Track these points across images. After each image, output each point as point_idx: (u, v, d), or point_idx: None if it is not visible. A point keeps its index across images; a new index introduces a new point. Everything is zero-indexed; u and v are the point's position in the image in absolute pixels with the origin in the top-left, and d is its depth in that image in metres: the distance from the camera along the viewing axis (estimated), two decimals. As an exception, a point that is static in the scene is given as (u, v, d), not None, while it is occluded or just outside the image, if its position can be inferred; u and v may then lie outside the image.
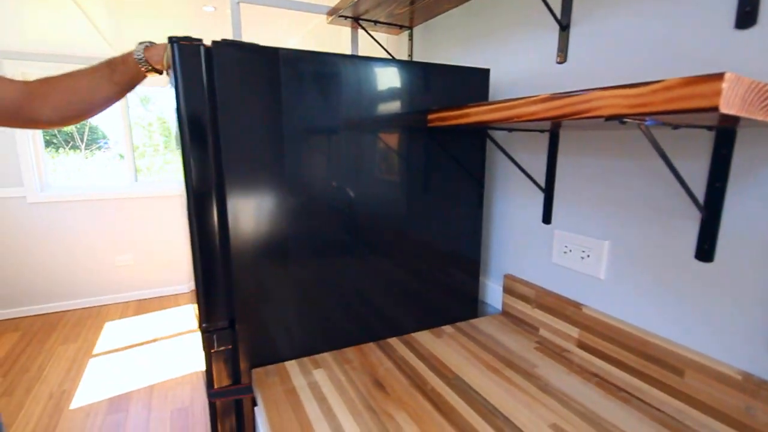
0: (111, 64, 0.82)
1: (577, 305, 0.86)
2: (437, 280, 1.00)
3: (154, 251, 3.46)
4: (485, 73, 0.94)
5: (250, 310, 0.80)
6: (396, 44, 1.47)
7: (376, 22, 1.36)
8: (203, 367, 0.86)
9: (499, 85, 1.02)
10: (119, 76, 0.82)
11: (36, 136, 3.08)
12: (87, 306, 3.39)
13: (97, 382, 2.41)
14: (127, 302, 3.50)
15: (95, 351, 2.79)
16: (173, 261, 3.53)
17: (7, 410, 2.22)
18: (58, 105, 0.79)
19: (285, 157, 0.77)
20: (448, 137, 0.93)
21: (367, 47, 1.51)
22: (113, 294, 3.42)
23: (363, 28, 1.38)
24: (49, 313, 3.28)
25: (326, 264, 0.86)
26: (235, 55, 0.71)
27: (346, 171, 0.84)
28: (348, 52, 1.56)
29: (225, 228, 0.75)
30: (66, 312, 3.32)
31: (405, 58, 1.43)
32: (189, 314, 3.24)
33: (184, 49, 0.67)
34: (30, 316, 3.35)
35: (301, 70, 0.77)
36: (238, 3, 1.29)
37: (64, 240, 3.17)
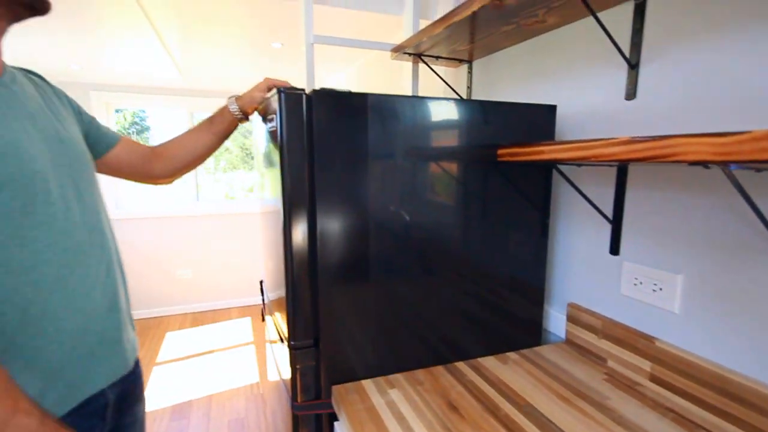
0: (210, 119, 0.96)
1: (650, 338, 0.86)
2: (501, 307, 1.03)
3: (211, 266, 3.67)
4: (552, 109, 0.99)
5: (332, 329, 0.87)
6: (454, 76, 1.54)
7: (437, 57, 1.44)
8: (276, 379, 0.93)
9: (564, 121, 1.06)
10: (217, 127, 0.96)
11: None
12: (150, 316, 3.63)
13: (161, 389, 2.57)
14: (185, 314, 3.72)
15: (158, 359, 2.97)
16: (228, 276, 3.73)
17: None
18: (170, 162, 0.93)
19: (368, 185, 0.85)
20: (515, 169, 0.98)
21: (426, 79, 1.59)
22: (173, 306, 3.65)
23: (425, 63, 1.46)
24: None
25: (400, 288, 0.91)
26: (331, 101, 0.80)
27: (420, 200, 0.91)
28: (403, 83, 1.65)
29: (314, 252, 0.83)
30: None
31: (463, 90, 1.49)
32: (242, 327, 3.39)
33: (290, 96, 0.76)
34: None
35: (383, 110, 0.84)
36: (312, 44, 1.41)
37: (132, 255, 3.44)
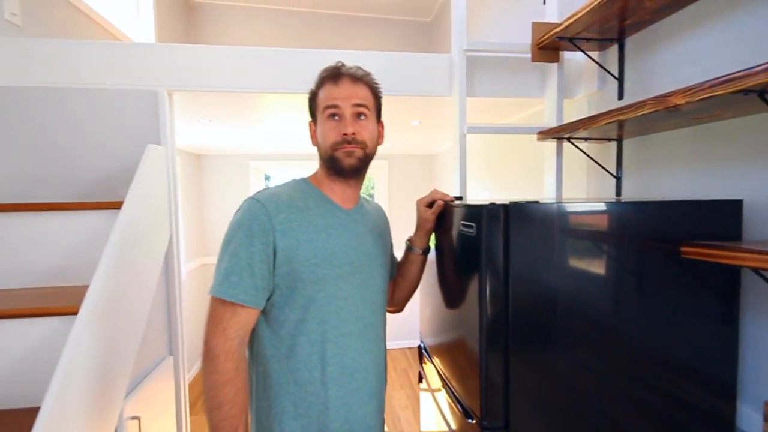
0: (404, 261, 1.17)
1: None
2: (687, 401, 1.01)
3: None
4: (737, 205, 0.99)
5: (522, 416, 0.95)
6: (602, 153, 1.59)
7: (585, 139, 1.52)
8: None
9: (757, 215, 1.03)
10: (413, 262, 1.16)
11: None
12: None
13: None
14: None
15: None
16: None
17: None
18: (399, 295, 1.17)
19: (555, 274, 0.94)
20: (699, 263, 0.99)
21: (568, 156, 1.66)
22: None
23: (572, 143, 1.54)
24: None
25: (583, 379, 0.97)
26: (524, 210, 0.93)
27: (600, 288, 0.97)
28: (546, 161, 1.74)
29: (506, 336, 0.94)
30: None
31: (611, 167, 1.52)
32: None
33: (491, 209, 0.91)
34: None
35: (565, 216, 0.95)
36: (465, 134, 1.59)
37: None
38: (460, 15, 1.58)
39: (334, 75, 0.92)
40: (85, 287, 1.26)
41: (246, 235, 0.82)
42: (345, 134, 0.89)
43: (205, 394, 0.80)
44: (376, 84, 0.99)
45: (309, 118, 0.98)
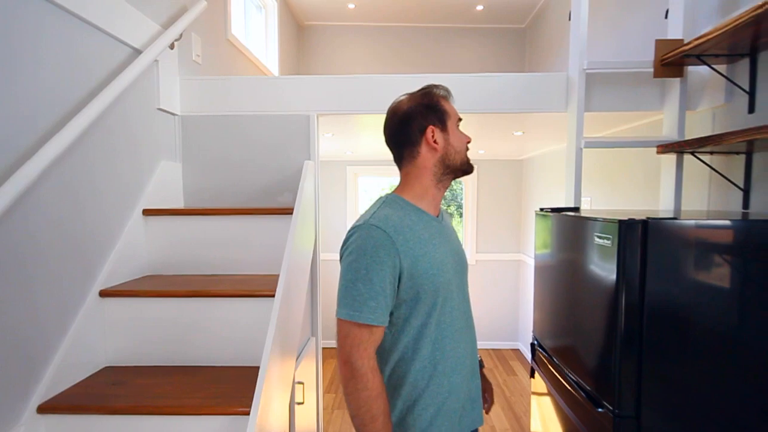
0: None
1: None
2: (828, 414, 1.04)
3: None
4: None
5: (655, 407, 1.06)
6: (726, 165, 1.59)
7: (711, 152, 1.54)
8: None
9: None
10: None
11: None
12: (374, 347, 4.33)
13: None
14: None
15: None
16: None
17: (344, 418, 3.06)
18: None
19: (687, 286, 1.04)
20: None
21: (687, 166, 1.68)
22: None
23: (696, 157, 1.57)
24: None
25: (707, 372, 1.05)
26: (663, 226, 1.04)
27: (731, 302, 1.04)
28: (663, 172, 1.76)
29: (640, 332, 1.05)
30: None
31: (737, 180, 1.52)
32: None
33: (627, 224, 1.03)
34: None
35: (701, 232, 1.04)
36: (582, 148, 1.69)
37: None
38: (580, 36, 1.68)
39: (445, 94, 1.03)
40: (266, 276, 1.58)
41: (376, 261, 0.87)
42: (468, 141, 1.03)
43: (357, 410, 0.87)
44: None
45: (426, 127, 0.98)
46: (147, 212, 1.59)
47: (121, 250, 1.47)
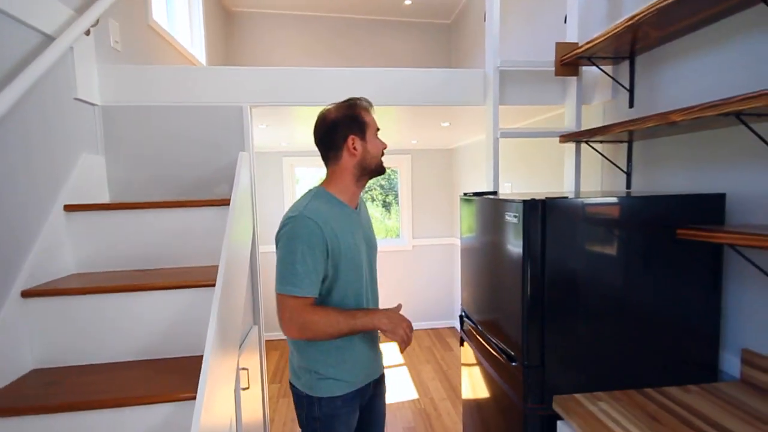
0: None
1: (825, 382, 1.08)
2: (683, 346, 1.32)
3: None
4: (721, 197, 1.29)
5: (553, 355, 1.26)
6: (614, 152, 1.87)
7: (601, 141, 1.80)
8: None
9: (737, 206, 1.32)
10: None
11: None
12: (317, 335, 4.40)
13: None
14: (343, 335, 4.42)
15: (333, 372, 3.63)
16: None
17: (290, 406, 3.11)
18: None
19: (579, 252, 1.25)
20: (692, 243, 1.29)
21: (584, 154, 1.95)
22: (335, 328, 4.38)
23: (589, 145, 1.83)
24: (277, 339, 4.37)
25: (602, 327, 1.28)
26: (556, 204, 1.23)
27: (613, 262, 1.28)
28: (565, 159, 2.02)
29: (542, 297, 1.25)
30: (303, 338, 4.37)
31: (623, 165, 1.81)
32: (393, 351, 3.92)
33: (530, 204, 1.22)
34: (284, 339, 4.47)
35: (588, 208, 1.25)
36: (498, 138, 1.88)
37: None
38: (493, 36, 1.86)
39: (365, 106, 1.23)
40: (204, 267, 1.59)
41: (310, 246, 1.10)
42: (384, 148, 1.26)
43: (327, 332, 1.13)
44: None
45: (347, 136, 1.18)
46: (69, 208, 1.52)
47: (42, 248, 1.40)
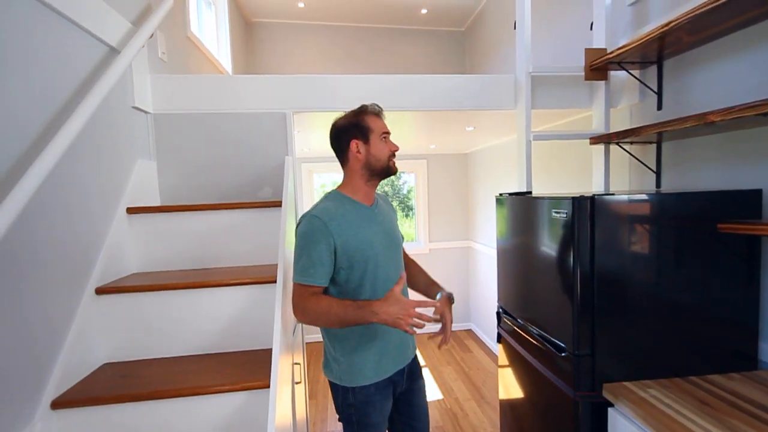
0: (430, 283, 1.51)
1: None
2: (722, 342, 1.38)
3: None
4: (757, 193, 1.36)
5: (603, 346, 1.33)
6: (643, 153, 1.94)
7: (631, 142, 1.87)
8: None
9: None
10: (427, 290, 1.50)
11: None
12: (337, 339, 4.45)
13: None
14: (362, 338, 4.46)
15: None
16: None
17: (317, 408, 3.16)
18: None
19: (627, 250, 1.32)
20: (731, 236, 1.35)
21: (613, 155, 2.02)
22: (354, 331, 4.43)
23: (620, 146, 1.90)
24: (315, 342, 4.41)
25: (649, 320, 1.34)
26: (606, 201, 1.30)
27: (659, 259, 1.34)
28: (594, 160, 2.10)
29: (592, 293, 1.31)
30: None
31: (651, 165, 1.88)
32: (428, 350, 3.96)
33: (578, 200, 1.28)
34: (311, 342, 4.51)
35: (632, 205, 1.32)
36: (531, 141, 1.96)
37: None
38: (525, 43, 1.94)
39: (375, 111, 1.32)
40: (257, 266, 1.66)
41: (313, 241, 1.20)
42: (393, 150, 1.32)
43: (325, 322, 1.21)
44: None
45: (350, 140, 1.28)
46: (131, 210, 1.60)
47: (109, 248, 1.47)
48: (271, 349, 1.25)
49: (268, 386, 1.17)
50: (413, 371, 1.43)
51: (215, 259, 1.71)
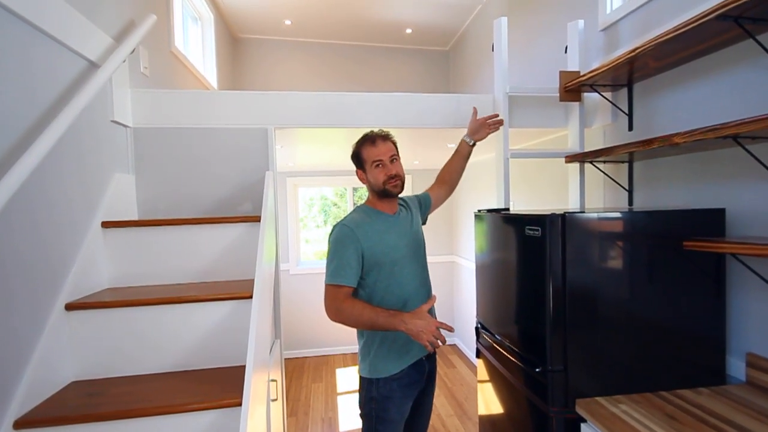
0: (457, 152, 1.75)
1: (825, 379, 1.18)
2: (690, 356, 1.41)
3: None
4: (721, 212, 1.41)
5: (575, 362, 1.34)
6: (616, 171, 2.01)
7: (604, 161, 1.93)
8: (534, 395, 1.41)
9: (735, 220, 1.44)
10: (462, 155, 1.76)
11: (297, 231, 4.36)
12: (320, 354, 4.39)
13: (349, 415, 3.18)
14: (345, 354, 4.41)
15: (338, 390, 3.63)
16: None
17: (297, 426, 3.10)
18: (450, 184, 1.81)
19: (595, 265, 1.35)
20: (695, 253, 1.40)
21: (588, 174, 2.08)
22: (337, 346, 4.38)
23: (594, 166, 1.96)
24: (296, 357, 4.35)
25: (617, 336, 1.37)
26: (577, 218, 1.33)
27: (624, 274, 1.37)
28: (570, 178, 2.15)
29: (563, 308, 1.34)
30: (306, 358, 4.36)
31: (624, 183, 1.94)
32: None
33: (551, 218, 1.32)
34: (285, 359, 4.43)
35: (601, 222, 1.36)
36: (508, 158, 2.00)
37: (305, 302, 4.28)
38: (502, 64, 2.00)
39: (371, 139, 1.46)
40: (234, 282, 1.65)
41: (344, 246, 1.38)
42: (389, 175, 1.43)
43: (357, 322, 1.35)
44: (393, 138, 1.52)
45: (356, 168, 1.52)
46: (106, 224, 1.58)
47: (82, 263, 1.45)
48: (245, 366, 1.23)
49: (240, 404, 1.15)
50: (432, 373, 1.58)
51: (192, 275, 1.69)
